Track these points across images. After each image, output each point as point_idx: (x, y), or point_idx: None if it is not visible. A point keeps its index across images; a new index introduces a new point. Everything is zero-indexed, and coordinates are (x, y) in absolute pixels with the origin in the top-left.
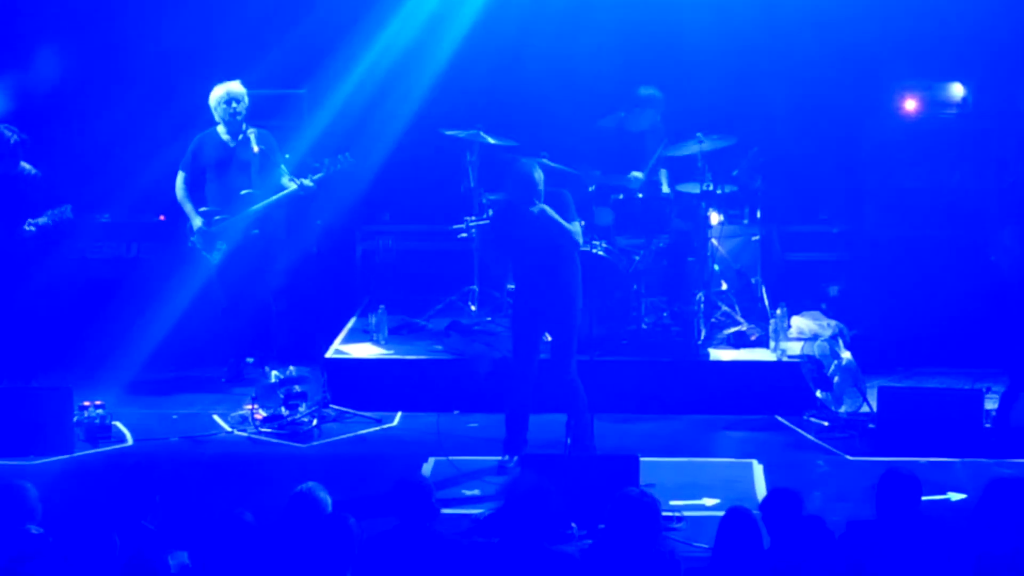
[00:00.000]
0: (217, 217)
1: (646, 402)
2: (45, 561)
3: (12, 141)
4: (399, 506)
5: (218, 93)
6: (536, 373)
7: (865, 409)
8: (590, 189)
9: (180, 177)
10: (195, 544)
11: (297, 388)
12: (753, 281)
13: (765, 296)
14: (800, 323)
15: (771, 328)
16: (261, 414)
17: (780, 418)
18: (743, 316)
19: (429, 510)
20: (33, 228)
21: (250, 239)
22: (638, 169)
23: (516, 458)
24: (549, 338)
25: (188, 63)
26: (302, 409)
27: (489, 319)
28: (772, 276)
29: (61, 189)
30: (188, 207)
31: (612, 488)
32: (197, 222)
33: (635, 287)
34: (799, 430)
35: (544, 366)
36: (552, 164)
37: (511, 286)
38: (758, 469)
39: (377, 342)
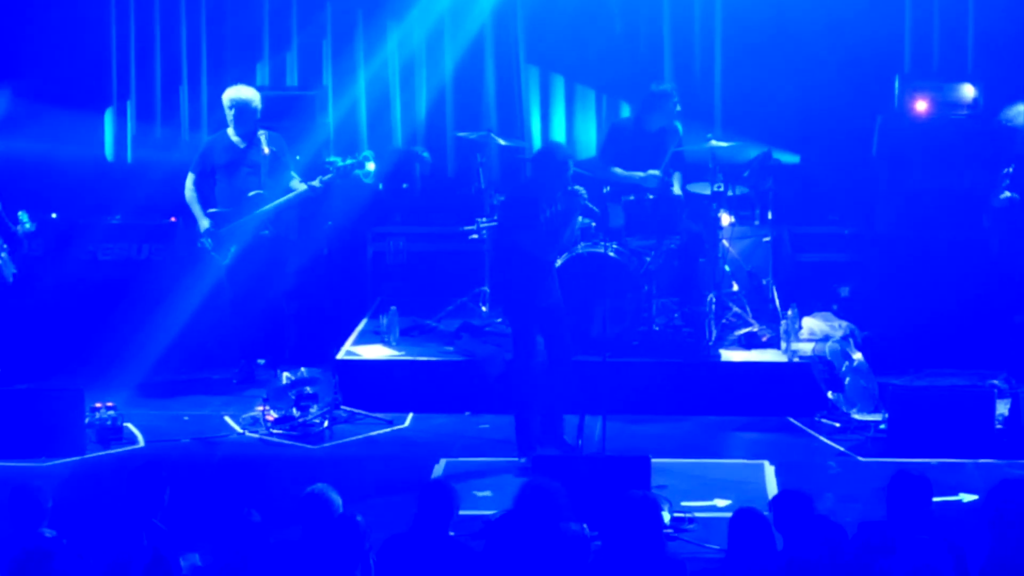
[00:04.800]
0: (220, 221)
1: (657, 403)
2: (61, 562)
3: None
4: (421, 507)
5: (230, 95)
6: (539, 372)
7: (877, 417)
8: (604, 191)
9: (189, 178)
10: (206, 545)
11: (308, 389)
12: (764, 282)
13: (776, 297)
14: (811, 324)
15: (782, 329)
16: (272, 415)
17: (792, 419)
18: (754, 317)
19: (449, 514)
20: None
21: (260, 240)
22: (655, 168)
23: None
24: None
25: (200, 63)
26: (313, 410)
27: (500, 320)
28: (783, 277)
29: (70, 191)
30: (196, 208)
31: (623, 489)
32: (204, 223)
33: (646, 288)
34: (810, 431)
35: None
36: None
37: None
38: (769, 470)
39: (388, 343)
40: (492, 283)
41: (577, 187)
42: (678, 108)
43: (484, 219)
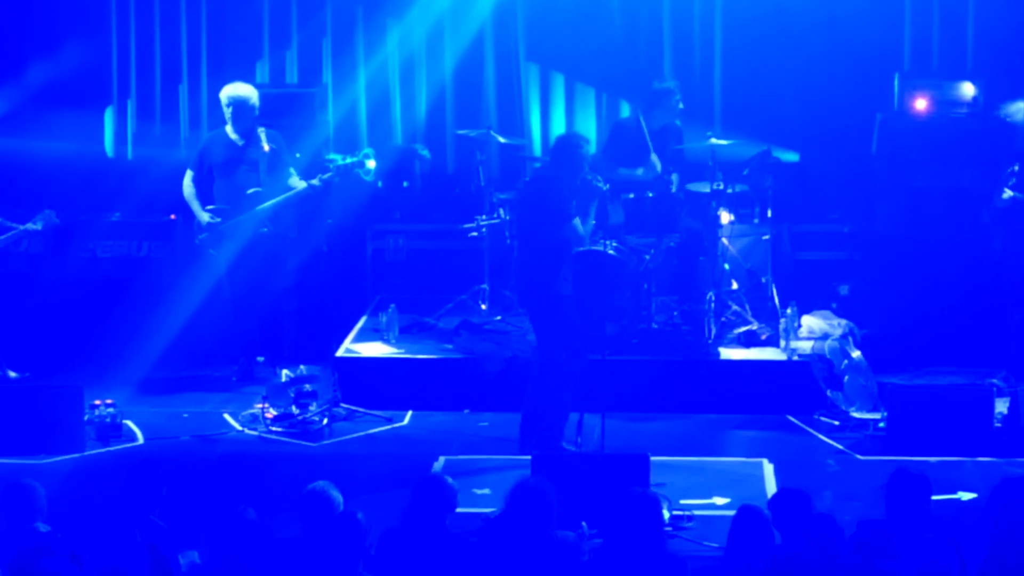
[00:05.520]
0: (218, 220)
1: (656, 401)
2: (57, 558)
3: None
4: (418, 502)
5: (227, 93)
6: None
7: (876, 415)
8: (605, 187)
9: (188, 175)
10: (205, 543)
11: (308, 387)
12: (764, 280)
13: (775, 295)
14: (810, 322)
15: (781, 327)
16: (272, 413)
17: (791, 417)
18: (753, 315)
19: (447, 509)
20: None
21: (259, 238)
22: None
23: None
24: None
25: (200, 61)
26: (313, 408)
27: (499, 318)
28: (782, 275)
29: (70, 188)
30: (195, 205)
31: (623, 487)
32: (204, 217)
33: (645, 286)
34: (810, 429)
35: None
36: None
37: None
38: (768, 468)
39: (388, 341)
40: (516, 277)
41: (597, 176)
42: (680, 106)
43: (484, 217)
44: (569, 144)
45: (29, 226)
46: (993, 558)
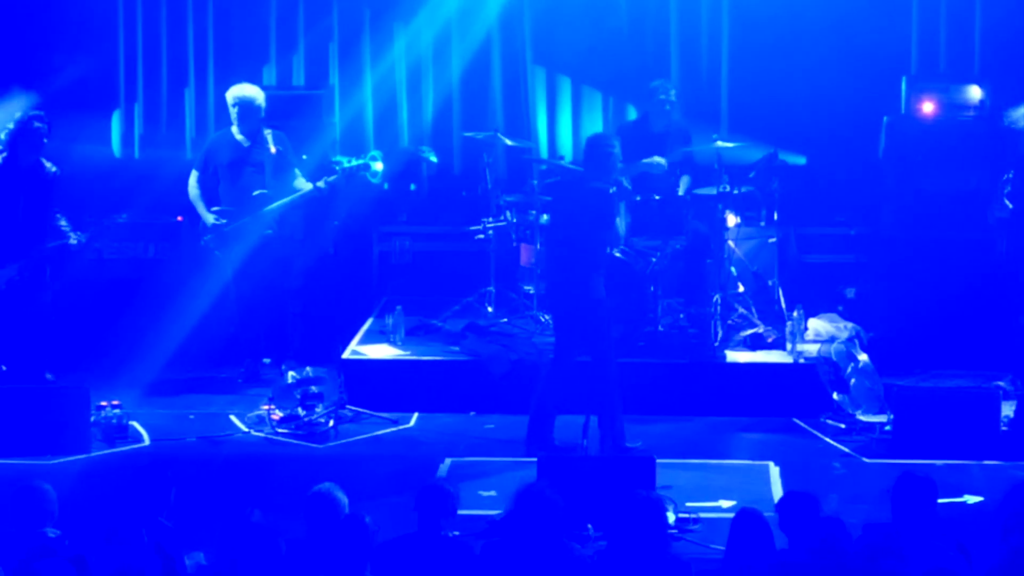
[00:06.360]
0: (224, 221)
1: (662, 403)
2: (57, 561)
3: (41, 131)
4: (420, 510)
5: (233, 94)
6: (568, 373)
7: (882, 418)
8: (611, 191)
9: (193, 176)
10: (211, 544)
11: (314, 389)
12: (770, 283)
13: (782, 298)
14: (817, 325)
15: (788, 330)
16: (278, 415)
17: (797, 420)
18: (760, 318)
19: (449, 515)
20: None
21: (266, 240)
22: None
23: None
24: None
25: (207, 66)
26: (319, 410)
27: (505, 320)
28: (789, 278)
29: (78, 189)
30: (200, 206)
31: (629, 489)
32: (209, 219)
33: (652, 289)
34: (816, 432)
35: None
36: (572, 166)
37: (529, 288)
38: (774, 471)
39: (394, 343)
40: (547, 280)
41: (622, 178)
42: (666, 96)
43: (490, 219)
44: (602, 145)
45: (73, 240)
46: (1004, 563)
